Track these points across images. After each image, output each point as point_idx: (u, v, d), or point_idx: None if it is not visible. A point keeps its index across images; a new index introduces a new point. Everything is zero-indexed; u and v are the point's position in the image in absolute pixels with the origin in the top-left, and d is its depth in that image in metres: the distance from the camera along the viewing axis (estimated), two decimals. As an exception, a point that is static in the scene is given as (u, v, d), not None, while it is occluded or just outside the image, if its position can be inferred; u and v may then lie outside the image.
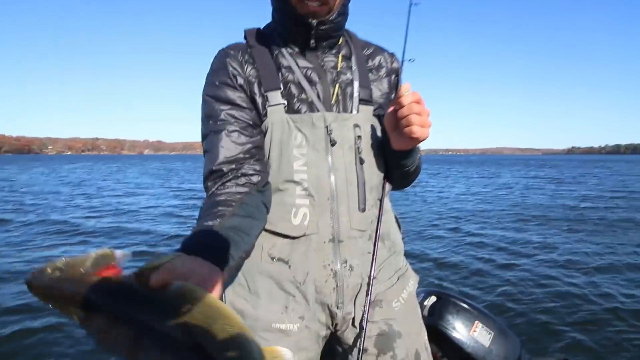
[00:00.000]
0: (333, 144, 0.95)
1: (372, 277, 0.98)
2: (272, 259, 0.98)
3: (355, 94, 0.99)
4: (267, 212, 0.93)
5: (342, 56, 1.02)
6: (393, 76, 1.07)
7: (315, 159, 0.95)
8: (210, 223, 0.75)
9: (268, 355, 0.49)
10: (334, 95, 0.98)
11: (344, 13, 0.98)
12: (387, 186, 1.06)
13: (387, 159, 1.02)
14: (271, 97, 0.96)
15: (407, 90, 0.87)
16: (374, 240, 1.00)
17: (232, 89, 0.95)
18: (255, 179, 0.90)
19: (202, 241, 0.71)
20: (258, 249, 0.99)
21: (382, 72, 1.06)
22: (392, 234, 1.08)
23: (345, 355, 1.02)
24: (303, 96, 0.96)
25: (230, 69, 0.96)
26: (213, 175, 0.88)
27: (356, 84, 1.00)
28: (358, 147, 0.98)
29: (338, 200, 0.96)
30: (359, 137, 0.98)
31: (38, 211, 9.62)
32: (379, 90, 1.04)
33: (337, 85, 0.99)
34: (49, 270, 0.49)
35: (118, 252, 0.51)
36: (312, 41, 0.96)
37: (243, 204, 0.84)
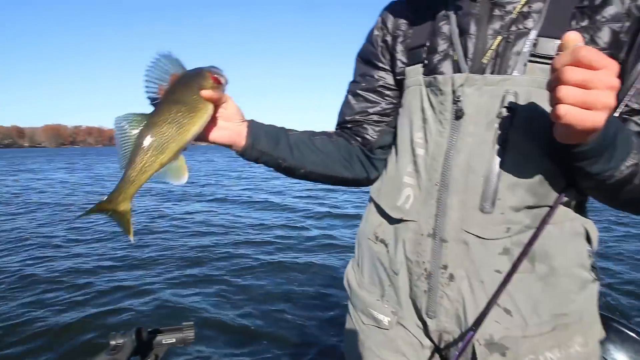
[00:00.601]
0: (459, 116, 0.75)
1: (491, 303, 0.73)
2: (377, 238, 0.89)
3: (526, 48, 0.72)
4: (367, 176, 0.95)
5: None
6: (628, 22, 0.69)
7: (435, 132, 0.79)
8: (288, 129, 0.90)
9: None
10: (490, 50, 0.75)
11: None
12: (573, 194, 0.75)
13: (559, 153, 0.69)
14: (412, 56, 0.85)
15: (571, 43, 0.55)
16: (515, 257, 0.73)
17: (373, 48, 0.92)
18: (367, 140, 0.92)
19: (267, 125, 0.87)
20: (368, 224, 0.93)
21: (606, 13, 0.70)
22: (559, 259, 0.76)
23: None
24: (449, 52, 0.79)
25: (380, 24, 0.92)
26: (335, 132, 0.97)
27: (533, 33, 0.72)
28: (503, 124, 0.72)
29: (449, 189, 0.76)
30: (509, 109, 0.71)
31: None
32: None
33: (500, 37, 0.74)
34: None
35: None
36: None
37: (329, 141, 0.92)
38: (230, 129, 0.80)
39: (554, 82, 0.56)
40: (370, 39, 0.93)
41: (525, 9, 0.75)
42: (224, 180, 15.86)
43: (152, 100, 0.70)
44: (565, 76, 0.54)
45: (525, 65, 0.72)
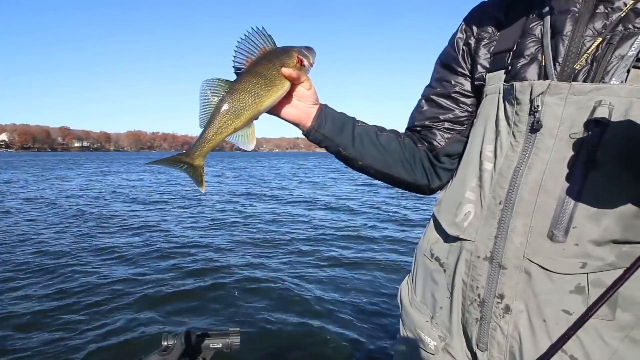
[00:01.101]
0: (535, 128, 0.66)
1: (555, 348, 0.60)
2: (432, 255, 0.84)
3: (632, 52, 0.62)
4: (429, 183, 0.91)
5: None
6: None
7: (507, 145, 0.71)
8: (358, 120, 0.89)
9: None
10: (585, 54, 0.65)
11: None
12: None
13: None
14: (496, 61, 0.78)
15: None
16: (591, 299, 0.62)
17: (454, 51, 0.87)
18: (434, 145, 0.88)
19: (337, 112, 0.86)
20: (425, 239, 0.89)
21: None
22: None
23: None
24: (537, 56, 0.70)
25: (464, 26, 0.86)
26: (404, 133, 0.93)
27: None
28: (589, 140, 0.62)
29: (514, 210, 0.68)
30: (599, 123, 0.61)
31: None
32: None
33: (600, 39, 0.64)
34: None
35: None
36: None
37: (395, 140, 0.88)
38: (300, 109, 0.81)
39: None
40: (452, 42, 0.88)
41: (639, 5, 0.64)
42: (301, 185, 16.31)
43: (237, 70, 0.75)
44: None
45: (628, 71, 0.62)
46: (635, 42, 0.62)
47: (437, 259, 0.83)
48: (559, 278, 0.65)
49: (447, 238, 0.81)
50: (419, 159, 0.89)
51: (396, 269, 4.86)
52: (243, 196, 12.35)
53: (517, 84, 0.70)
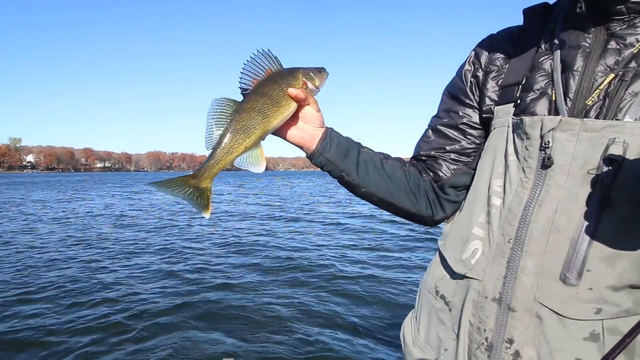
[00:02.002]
0: (546, 165, 0.64)
1: None
2: (437, 293, 0.81)
3: None
4: (432, 215, 0.88)
5: None
6: None
7: (516, 181, 0.69)
8: (363, 146, 0.88)
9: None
10: (597, 90, 0.64)
11: None
12: None
13: None
14: (505, 94, 0.76)
15: None
16: (607, 347, 0.59)
17: (462, 83, 0.86)
18: (439, 176, 0.86)
19: (343, 137, 0.86)
20: (430, 275, 0.85)
21: None
22: None
23: None
24: (547, 90, 0.69)
25: (472, 59, 0.85)
26: (410, 162, 0.92)
27: None
28: (603, 179, 0.59)
29: (524, 249, 0.65)
30: (613, 161, 0.59)
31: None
32: None
33: (612, 75, 0.63)
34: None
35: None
36: (580, 4, 0.64)
37: (400, 168, 0.87)
38: (306, 131, 0.81)
39: None
40: (460, 73, 0.87)
41: None
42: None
43: (243, 91, 0.75)
44: None
45: None
46: None
47: (443, 297, 0.79)
48: (572, 324, 0.62)
49: (454, 275, 0.77)
50: (424, 189, 0.87)
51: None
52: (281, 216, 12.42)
53: (526, 119, 0.69)
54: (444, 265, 0.81)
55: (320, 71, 0.79)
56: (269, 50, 0.74)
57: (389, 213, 0.91)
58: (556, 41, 0.70)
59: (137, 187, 31.79)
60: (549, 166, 0.65)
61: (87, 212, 13.53)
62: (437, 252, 0.86)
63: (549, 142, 0.65)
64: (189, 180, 0.74)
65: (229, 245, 7.80)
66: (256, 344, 3.51)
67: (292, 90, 0.74)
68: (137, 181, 47.59)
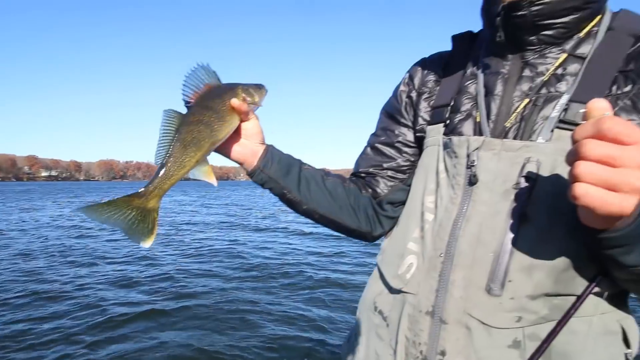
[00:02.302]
0: (472, 182, 0.69)
1: None
2: (375, 309, 0.81)
3: (554, 113, 0.66)
4: (371, 231, 0.89)
5: (570, 56, 0.69)
6: None
7: (446, 197, 0.73)
8: (304, 163, 0.88)
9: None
10: (514, 113, 0.69)
11: None
12: (608, 284, 0.63)
13: (584, 236, 0.59)
14: (436, 114, 0.81)
15: (597, 112, 0.48)
16: (527, 353, 0.62)
17: (397, 103, 0.90)
18: (377, 192, 0.88)
19: (284, 154, 0.85)
20: (369, 291, 0.86)
21: None
22: None
23: None
24: (472, 112, 0.75)
25: (406, 80, 0.90)
26: (349, 178, 0.93)
27: (565, 97, 0.66)
28: (520, 195, 0.64)
29: (453, 262, 0.68)
30: (528, 179, 0.64)
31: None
32: (624, 112, 0.63)
33: (527, 100, 0.69)
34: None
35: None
36: (499, 34, 0.70)
37: (341, 185, 0.88)
38: (247, 147, 0.80)
39: (573, 156, 0.48)
40: (395, 94, 0.92)
41: (559, 71, 0.68)
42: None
43: (186, 103, 0.73)
44: (584, 150, 0.46)
45: (552, 131, 0.65)
46: (557, 105, 0.66)
47: (381, 313, 0.80)
48: (497, 332, 0.65)
49: (391, 290, 0.79)
50: (363, 206, 0.88)
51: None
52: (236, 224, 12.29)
53: (454, 139, 0.73)
54: (382, 280, 0.83)
55: (260, 87, 0.78)
56: (207, 64, 0.73)
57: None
58: (480, 67, 0.77)
59: (91, 197, 30.18)
60: (475, 183, 0.69)
61: (37, 223, 12.76)
62: (376, 268, 0.88)
63: (474, 160, 0.69)
64: (132, 200, 0.67)
65: (192, 255, 7.70)
66: (218, 347, 3.55)
67: (235, 101, 0.73)
68: (89, 191, 45.19)
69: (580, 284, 0.63)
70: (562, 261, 0.63)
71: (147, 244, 0.68)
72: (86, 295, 5.04)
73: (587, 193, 0.47)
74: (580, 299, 0.61)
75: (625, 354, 0.67)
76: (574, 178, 0.48)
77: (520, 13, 0.67)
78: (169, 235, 10.34)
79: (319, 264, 6.81)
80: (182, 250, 8.28)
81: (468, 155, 0.70)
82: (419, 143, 0.86)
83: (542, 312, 0.64)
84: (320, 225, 0.91)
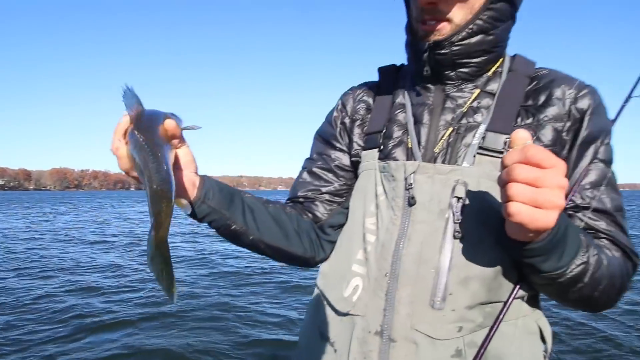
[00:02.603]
0: (411, 203, 0.73)
1: None
2: (321, 335, 0.81)
3: (475, 141, 0.74)
4: (315, 256, 0.86)
5: (482, 92, 0.79)
6: (569, 122, 0.73)
7: (388, 219, 0.76)
8: (242, 190, 0.83)
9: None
10: (441, 141, 0.77)
11: (483, 32, 0.75)
12: (526, 287, 0.72)
13: (506, 247, 0.67)
14: (369, 140, 0.86)
15: (520, 141, 0.56)
16: (468, 358, 0.68)
17: (332, 128, 0.93)
18: (317, 217, 0.88)
19: (221, 182, 0.77)
20: (311, 316, 0.87)
21: (548, 113, 0.74)
22: None
23: None
24: (403, 139, 0.81)
25: (340, 107, 0.94)
26: (287, 204, 0.92)
27: (482, 127, 0.75)
28: (454, 214, 0.71)
29: (399, 281, 0.71)
30: (460, 199, 0.71)
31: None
32: None
33: (451, 129, 0.77)
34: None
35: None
36: (427, 69, 0.78)
37: (282, 211, 0.84)
38: (185, 177, 0.70)
39: (505, 179, 0.56)
40: (329, 119, 0.94)
41: (475, 104, 0.77)
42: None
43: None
44: (514, 173, 0.54)
45: (474, 156, 0.73)
46: (477, 134, 0.74)
47: (327, 339, 0.79)
48: (441, 344, 0.69)
49: (337, 314, 0.79)
50: (306, 230, 0.86)
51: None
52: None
53: (392, 163, 0.78)
54: (326, 305, 0.82)
55: (176, 116, 0.70)
56: (132, 87, 0.66)
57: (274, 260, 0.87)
58: (407, 97, 0.84)
59: (48, 208, 28.52)
60: (413, 204, 0.73)
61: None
62: (317, 293, 0.88)
63: (411, 183, 0.74)
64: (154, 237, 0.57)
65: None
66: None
67: (171, 124, 0.62)
68: (41, 201, 42.57)
69: (506, 290, 0.70)
70: (491, 271, 0.69)
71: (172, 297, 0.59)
72: (48, 307, 4.89)
73: (520, 211, 0.54)
74: (506, 304, 0.68)
75: (543, 351, 0.74)
76: (507, 198, 0.55)
77: (443, 51, 0.75)
78: (133, 244, 10.12)
79: (286, 270, 6.98)
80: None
81: (406, 179, 0.75)
82: (354, 167, 0.89)
83: (478, 320, 0.69)
84: (265, 257, 0.86)
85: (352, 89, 0.95)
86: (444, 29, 0.74)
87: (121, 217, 21.06)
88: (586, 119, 0.73)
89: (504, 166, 0.57)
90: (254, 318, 4.53)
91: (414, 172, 0.74)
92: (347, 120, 0.91)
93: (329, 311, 0.81)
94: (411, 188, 0.74)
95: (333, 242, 0.88)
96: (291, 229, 0.84)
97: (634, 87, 0.88)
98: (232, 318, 4.52)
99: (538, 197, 0.53)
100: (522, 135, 0.56)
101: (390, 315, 0.71)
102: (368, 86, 0.93)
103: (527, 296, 0.73)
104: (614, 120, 0.78)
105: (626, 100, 0.86)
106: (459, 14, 0.73)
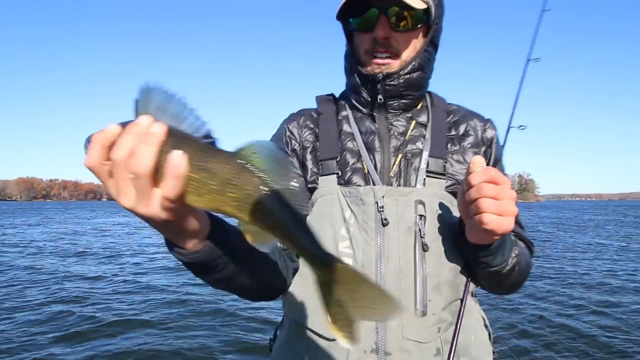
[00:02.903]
0: (385, 224, 0.79)
1: None
2: None
3: (422, 166, 0.83)
4: (286, 282, 0.83)
5: (417, 123, 0.88)
6: (484, 148, 0.89)
7: (362, 241, 0.80)
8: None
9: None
10: (394, 166, 0.84)
11: (421, 69, 0.85)
12: (472, 285, 0.84)
13: (463, 251, 0.80)
14: (325, 167, 0.87)
15: (478, 165, 0.69)
16: (447, 356, 0.76)
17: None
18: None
19: (228, 226, 0.63)
20: (290, 352, 0.85)
21: (468, 141, 0.88)
22: (475, 349, 0.82)
23: None
24: (358, 165, 0.85)
25: (287, 133, 0.92)
26: None
27: (425, 154, 0.84)
28: (420, 230, 0.79)
29: None
30: (422, 217, 0.80)
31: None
32: (458, 163, 0.86)
33: (400, 155, 0.85)
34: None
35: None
36: (380, 97, 0.85)
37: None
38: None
39: (474, 195, 0.67)
40: (280, 146, 0.91)
41: (414, 133, 0.87)
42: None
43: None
44: (483, 191, 0.66)
45: (425, 178, 0.82)
46: (422, 159, 0.83)
47: None
48: (426, 347, 0.76)
49: (327, 340, 0.79)
50: (282, 258, 0.81)
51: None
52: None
53: (360, 188, 0.81)
54: (310, 334, 0.82)
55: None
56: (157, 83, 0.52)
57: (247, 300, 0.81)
58: (355, 126, 0.89)
59: (20, 219, 27.50)
60: (387, 225, 0.79)
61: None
62: (290, 325, 0.86)
63: (382, 206, 0.79)
64: None
65: (138, 273, 7.59)
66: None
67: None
68: (3, 212, 40.58)
69: (462, 289, 0.81)
70: (454, 274, 0.80)
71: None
72: (37, 313, 5.03)
73: (491, 220, 0.66)
74: (462, 300, 0.79)
75: (488, 336, 0.87)
76: (479, 210, 0.66)
77: (393, 82, 0.83)
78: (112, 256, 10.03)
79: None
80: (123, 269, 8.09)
81: (377, 202, 0.79)
82: (311, 193, 0.87)
83: (449, 318, 0.79)
84: (249, 300, 0.81)
85: (293, 115, 0.96)
86: (393, 64, 0.83)
87: (99, 229, 20.43)
88: (493, 145, 0.90)
89: (470, 185, 0.68)
90: (241, 322, 4.71)
91: (383, 196, 0.80)
92: (297, 147, 0.91)
93: (315, 339, 0.81)
94: (382, 210, 0.79)
95: (297, 270, 0.86)
96: (273, 258, 0.76)
97: (511, 118, 1.13)
98: (222, 322, 4.70)
99: (501, 208, 0.66)
100: (479, 160, 0.69)
101: (383, 332, 0.76)
102: (309, 113, 0.95)
103: (472, 291, 0.86)
104: (502, 146, 0.99)
105: (507, 132, 1.11)
106: (406, 52, 0.83)
